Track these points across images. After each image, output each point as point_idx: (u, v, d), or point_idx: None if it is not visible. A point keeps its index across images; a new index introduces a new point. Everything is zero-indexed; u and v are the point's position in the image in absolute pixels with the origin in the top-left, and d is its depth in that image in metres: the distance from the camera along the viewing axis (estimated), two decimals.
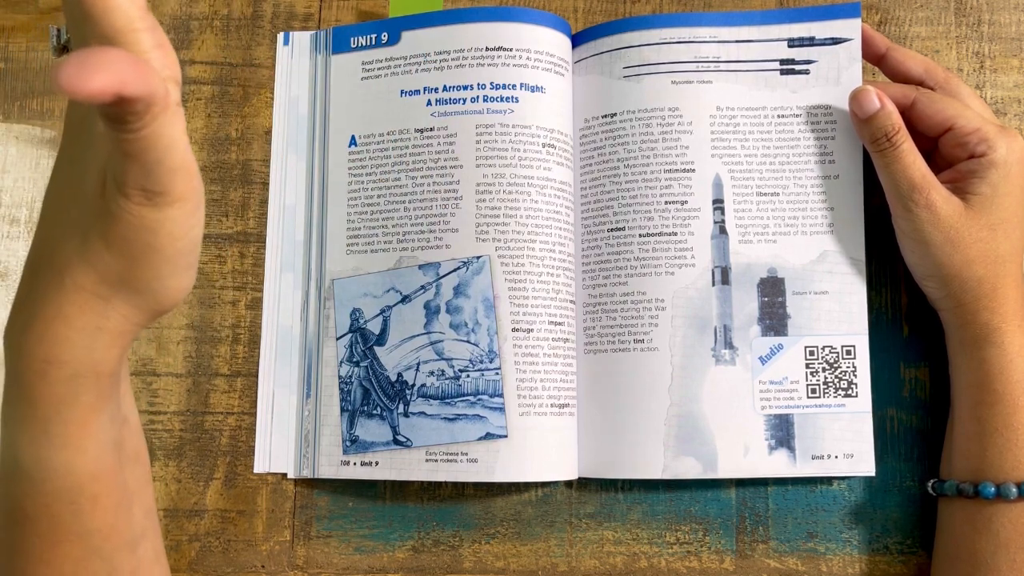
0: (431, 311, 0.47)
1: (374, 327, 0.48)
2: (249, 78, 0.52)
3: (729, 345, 0.46)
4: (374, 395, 0.47)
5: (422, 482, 0.48)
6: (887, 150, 0.43)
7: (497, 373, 0.45)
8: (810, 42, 0.47)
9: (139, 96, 0.23)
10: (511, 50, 0.48)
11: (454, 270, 0.47)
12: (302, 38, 0.52)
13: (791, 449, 0.45)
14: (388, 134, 0.49)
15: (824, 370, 0.46)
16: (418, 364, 0.47)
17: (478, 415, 0.45)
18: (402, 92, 0.49)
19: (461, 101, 0.48)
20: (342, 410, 0.48)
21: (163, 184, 0.27)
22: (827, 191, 0.47)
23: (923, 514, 0.47)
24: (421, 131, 0.48)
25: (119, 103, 0.23)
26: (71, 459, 0.30)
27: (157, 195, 0.27)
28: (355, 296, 0.48)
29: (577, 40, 0.50)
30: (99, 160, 0.28)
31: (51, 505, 0.31)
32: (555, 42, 0.48)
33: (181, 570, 0.48)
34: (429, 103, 0.48)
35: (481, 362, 0.46)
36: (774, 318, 0.46)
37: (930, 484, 0.45)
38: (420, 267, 0.47)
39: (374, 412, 0.47)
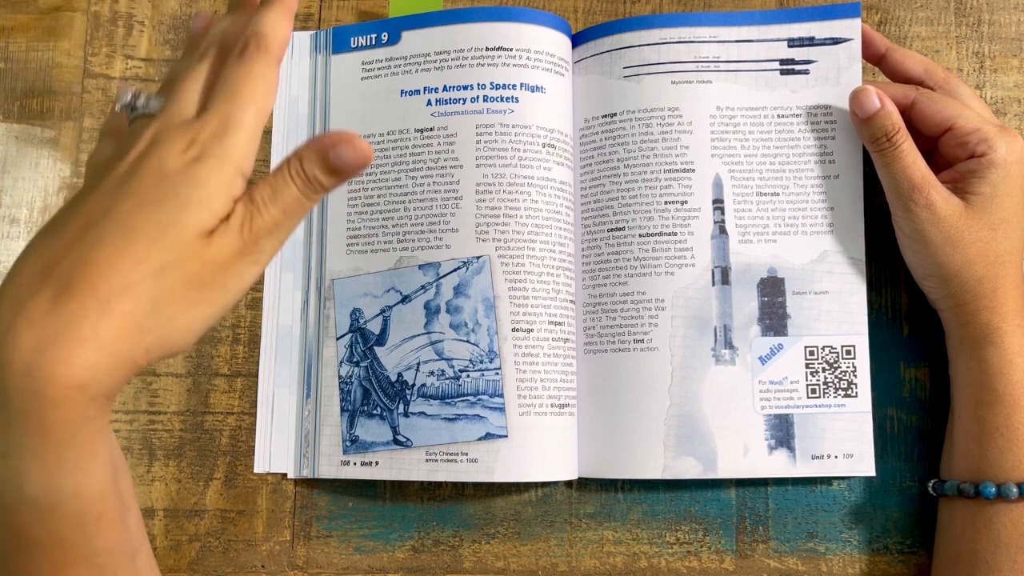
0: (431, 311, 0.47)
1: (374, 327, 0.48)
2: None
3: (729, 345, 0.46)
4: (374, 395, 0.47)
5: (422, 482, 0.48)
6: (887, 150, 0.43)
7: (497, 373, 0.45)
8: (810, 42, 0.47)
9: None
10: (511, 50, 0.48)
11: (454, 270, 0.47)
12: (302, 38, 0.52)
13: (791, 449, 0.45)
14: (388, 134, 0.49)
15: (824, 370, 0.46)
16: (418, 364, 0.47)
17: (478, 415, 0.45)
18: (402, 92, 0.49)
19: (461, 101, 0.48)
20: (342, 410, 0.48)
21: (275, 248, 0.31)
22: (827, 191, 0.47)
23: (923, 514, 0.47)
24: (421, 131, 0.48)
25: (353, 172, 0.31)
26: (80, 482, 0.30)
27: (263, 255, 0.31)
28: (355, 296, 0.48)
29: (577, 40, 0.50)
30: (215, 208, 0.30)
31: (60, 530, 0.30)
32: (555, 42, 0.48)
33: (181, 570, 0.48)
34: (429, 103, 0.48)
35: (481, 362, 0.46)
36: (774, 318, 0.46)
37: (930, 484, 0.45)
38: (420, 267, 0.47)
39: (374, 412, 0.47)
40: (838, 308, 0.46)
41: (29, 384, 0.28)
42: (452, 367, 0.46)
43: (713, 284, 0.46)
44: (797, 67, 0.47)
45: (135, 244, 0.29)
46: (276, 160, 0.51)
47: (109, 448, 0.31)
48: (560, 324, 0.47)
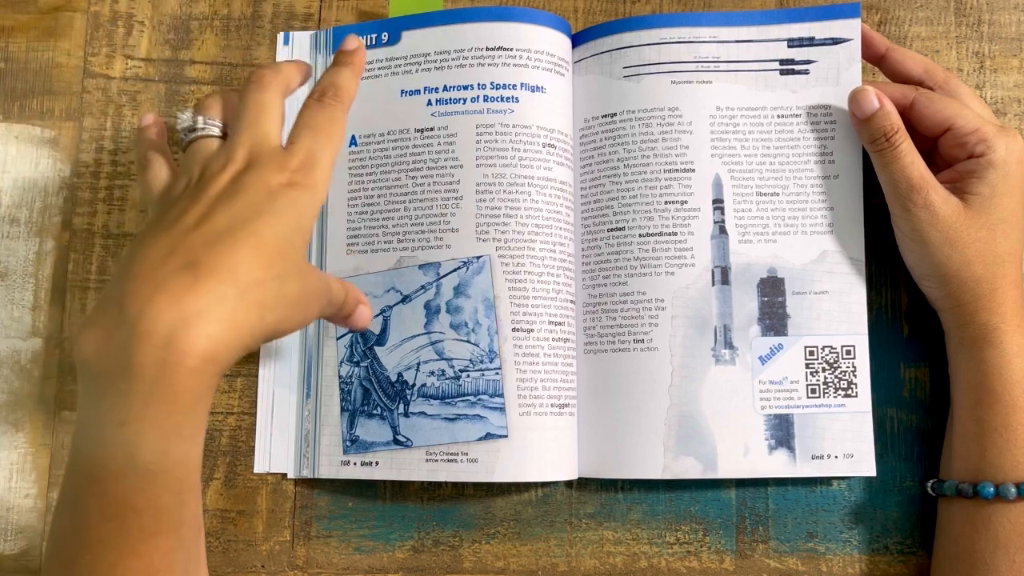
0: (431, 311, 0.47)
1: (374, 327, 0.48)
2: None
3: (729, 345, 0.46)
4: (374, 395, 0.47)
5: (422, 482, 0.48)
6: (886, 150, 0.43)
7: (497, 373, 0.46)
8: (810, 42, 0.47)
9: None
10: (511, 50, 0.48)
11: (454, 270, 0.47)
12: (302, 38, 0.52)
13: (791, 449, 0.45)
14: (388, 134, 0.49)
15: (824, 370, 0.46)
16: (418, 364, 0.47)
17: (478, 415, 0.45)
18: (402, 92, 0.49)
19: (461, 101, 0.48)
20: (342, 410, 0.48)
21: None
22: (827, 191, 0.47)
23: (923, 514, 0.47)
24: (421, 131, 0.48)
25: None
26: (189, 451, 0.32)
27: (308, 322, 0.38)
28: None
29: (577, 40, 0.50)
30: (308, 238, 0.36)
31: (161, 497, 0.31)
32: (555, 42, 0.48)
33: None
34: (429, 103, 0.48)
35: (481, 362, 0.46)
36: (774, 318, 0.46)
37: (929, 484, 0.45)
38: (420, 267, 0.47)
39: (374, 412, 0.47)
40: (838, 308, 0.46)
41: (168, 355, 0.30)
42: (452, 367, 0.46)
43: (713, 284, 0.46)
44: (797, 67, 0.48)
45: (265, 251, 0.33)
46: None
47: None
48: (560, 324, 0.47)
